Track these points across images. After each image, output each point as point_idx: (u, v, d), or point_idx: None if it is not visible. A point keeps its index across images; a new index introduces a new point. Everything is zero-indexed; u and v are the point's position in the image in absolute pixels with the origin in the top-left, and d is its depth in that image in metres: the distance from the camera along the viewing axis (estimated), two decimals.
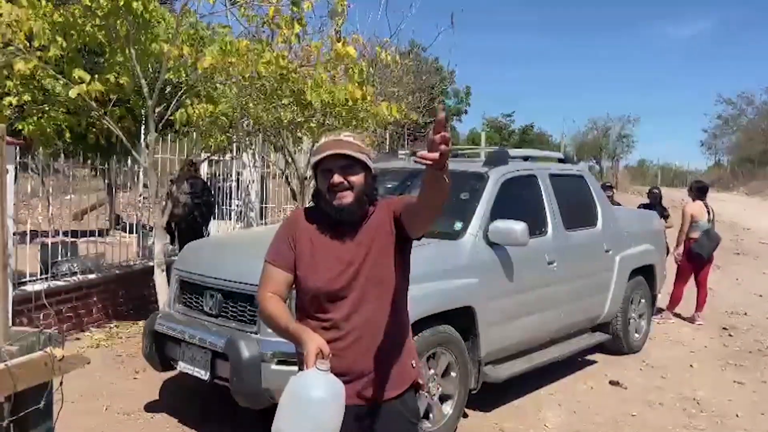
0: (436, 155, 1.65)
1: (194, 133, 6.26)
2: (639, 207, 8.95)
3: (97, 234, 7.16)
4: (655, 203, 8.79)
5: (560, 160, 6.00)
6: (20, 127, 5.48)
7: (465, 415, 4.24)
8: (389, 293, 2.10)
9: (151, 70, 5.70)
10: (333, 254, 2.06)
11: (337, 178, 2.01)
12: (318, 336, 1.91)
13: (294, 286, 2.13)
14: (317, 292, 2.05)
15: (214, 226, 8.66)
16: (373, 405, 2.07)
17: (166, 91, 5.83)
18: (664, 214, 8.46)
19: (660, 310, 7.36)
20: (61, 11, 4.97)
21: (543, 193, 5.04)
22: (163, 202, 6.19)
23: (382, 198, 2.20)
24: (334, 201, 2.02)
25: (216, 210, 8.87)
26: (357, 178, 2.03)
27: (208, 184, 8.00)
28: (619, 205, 8.44)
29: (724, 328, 7.15)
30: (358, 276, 2.05)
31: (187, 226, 7.07)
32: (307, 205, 2.30)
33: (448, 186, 1.84)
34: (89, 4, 4.85)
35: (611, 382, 5.24)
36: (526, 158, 5.37)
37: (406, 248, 2.14)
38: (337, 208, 2.03)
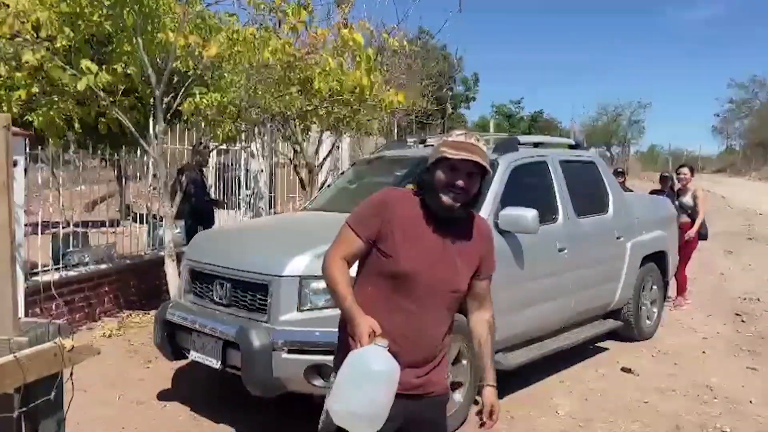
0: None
1: (202, 123, 6.25)
2: (651, 193, 8.86)
3: (107, 224, 7.20)
4: (667, 189, 8.70)
5: (571, 147, 5.94)
6: (30, 118, 5.49)
7: (476, 403, 4.22)
8: (455, 301, 2.15)
9: (158, 59, 5.68)
10: (429, 243, 2.08)
11: (462, 183, 2.05)
12: (370, 318, 1.93)
13: (364, 261, 2.13)
14: (406, 274, 2.05)
15: (224, 216, 8.67)
16: (416, 395, 2.10)
17: (174, 81, 5.81)
18: (676, 200, 8.37)
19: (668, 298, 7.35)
20: (68, 1, 4.95)
21: (553, 179, 4.99)
22: (173, 192, 6.20)
23: (484, 220, 2.28)
24: (446, 199, 2.05)
25: (226, 200, 8.89)
26: (474, 187, 2.09)
27: (206, 175, 7.98)
28: (630, 191, 8.38)
29: (737, 314, 7.09)
30: (442, 271, 2.07)
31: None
32: (401, 188, 2.32)
33: None
34: None
35: (623, 369, 5.21)
36: (536, 144, 5.32)
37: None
38: (445, 206, 2.06)
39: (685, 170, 7.56)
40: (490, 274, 2.24)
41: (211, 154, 8.23)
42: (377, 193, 2.20)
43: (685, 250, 7.31)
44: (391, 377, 1.87)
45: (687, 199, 7.45)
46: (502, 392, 4.44)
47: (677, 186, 7.65)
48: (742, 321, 6.86)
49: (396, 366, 1.88)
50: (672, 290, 7.40)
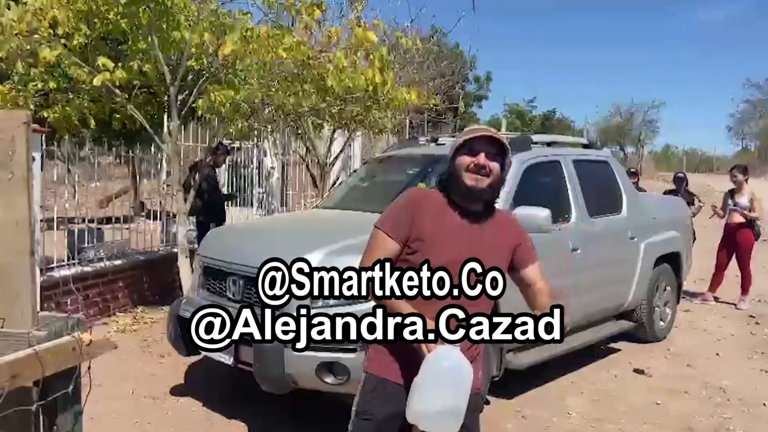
0: None
1: (216, 121, 6.28)
2: (665, 193, 8.79)
3: (122, 221, 7.26)
4: (681, 189, 8.62)
5: (584, 146, 5.91)
6: (45, 114, 5.55)
7: (487, 402, 4.23)
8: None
9: (173, 57, 5.72)
10: (458, 236, 2.09)
11: (482, 160, 2.04)
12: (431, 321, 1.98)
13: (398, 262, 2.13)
14: (437, 270, 2.07)
15: (236, 214, 8.72)
16: None
17: (188, 79, 5.84)
18: (691, 200, 8.29)
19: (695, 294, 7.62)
20: None
21: (567, 179, 4.97)
22: (187, 189, 6.23)
23: (510, 214, 2.28)
24: (469, 182, 2.05)
25: (237, 197, 8.93)
26: (496, 168, 2.07)
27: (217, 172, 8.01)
28: (643, 191, 8.32)
29: (751, 316, 7.03)
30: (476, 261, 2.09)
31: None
32: (426, 189, 2.32)
33: None
34: None
35: (635, 371, 5.19)
36: (549, 144, 5.29)
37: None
38: (469, 188, 2.05)
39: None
40: (531, 261, 2.22)
41: (227, 158, 8.26)
42: (404, 194, 2.22)
43: (744, 247, 7.39)
44: (469, 373, 1.95)
45: (745, 200, 7.46)
46: (512, 392, 4.48)
47: (732, 187, 7.65)
48: (757, 323, 6.80)
49: (468, 362, 1.96)
50: (690, 284, 7.48)
